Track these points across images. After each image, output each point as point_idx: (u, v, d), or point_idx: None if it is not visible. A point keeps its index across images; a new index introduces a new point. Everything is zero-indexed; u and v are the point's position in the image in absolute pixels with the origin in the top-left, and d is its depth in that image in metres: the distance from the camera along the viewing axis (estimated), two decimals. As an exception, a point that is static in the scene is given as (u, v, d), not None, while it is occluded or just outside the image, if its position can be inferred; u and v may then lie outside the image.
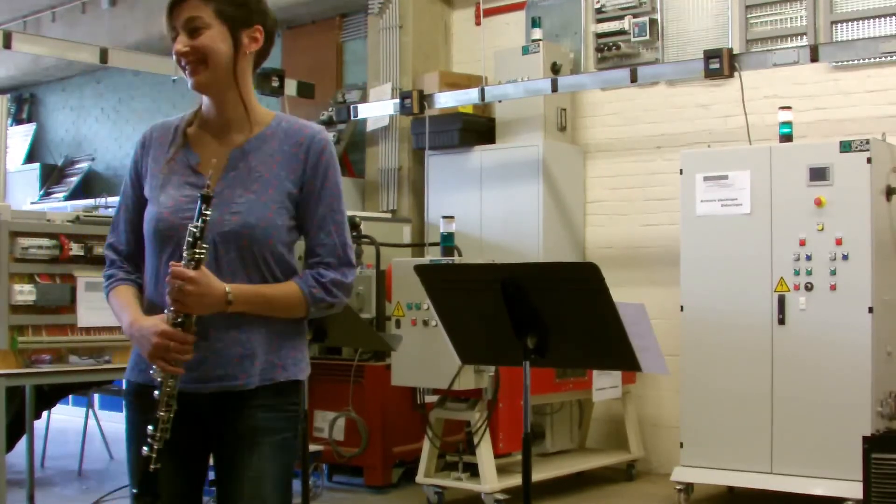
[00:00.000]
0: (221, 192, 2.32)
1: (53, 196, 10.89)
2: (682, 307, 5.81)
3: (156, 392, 2.24)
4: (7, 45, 6.98)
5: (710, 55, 6.17)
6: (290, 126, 2.40)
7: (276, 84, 7.75)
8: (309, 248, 2.41)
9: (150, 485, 2.24)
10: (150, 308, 2.36)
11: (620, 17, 7.15)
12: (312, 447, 5.68)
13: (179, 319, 2.25)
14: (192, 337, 2.25)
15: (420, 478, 5.75)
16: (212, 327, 2.30)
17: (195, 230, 2.23)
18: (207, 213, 2.23)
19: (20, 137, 11.62)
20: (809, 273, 5.41)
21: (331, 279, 2.37)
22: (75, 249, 4.99)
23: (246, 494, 2.31)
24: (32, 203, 10.41)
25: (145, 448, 2.22)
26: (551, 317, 3.16)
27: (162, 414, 2.23)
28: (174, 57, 2.34)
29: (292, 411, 2.40)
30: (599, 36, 7.26)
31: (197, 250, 2.23)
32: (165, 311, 2.27)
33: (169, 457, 2.26)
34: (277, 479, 2.36)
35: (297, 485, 3.02)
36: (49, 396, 6.50)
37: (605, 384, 6.15)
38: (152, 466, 2.22)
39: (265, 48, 2.41)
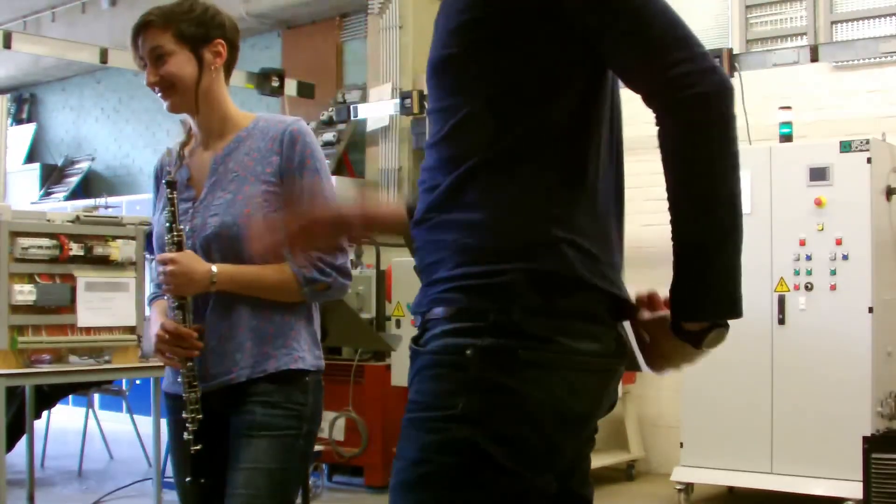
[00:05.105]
0: (204, 199, 2.39)
1: (53, 196, 10.88)
2: (682, 307, 5.80)
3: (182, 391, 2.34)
4: (7, 45, 6.98)
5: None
6: (266, 124, 2.43)
7: (276, 84, 7.75)
8: None
9: (197, 468, 2.33)
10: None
11: (620, 17, 7.14)
12: (312, 447, 5.67)
13: (175, 304, 2.32)
14: (186, 329, 2.31)
15: (420, 478, 5.74)
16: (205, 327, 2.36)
17: (169, 216, 2.33)
18: (173, 196, 2.34)
19: (20, 137, 11.62)
20: (809, 273, 5.41)
21: (319, 257, 2.34)
22: (75, 249, 4.97)
23: (240, 484, 2.29)
24: (32, 203, 10.40)
25: (185, 433, 2.30)
26: (551, 317, 3.16)
27: (188, 395, 2.30)
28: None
29: (293, 408, 2.35)
30: (599, 36, 7.25)
31: (174, 234, 2.32)
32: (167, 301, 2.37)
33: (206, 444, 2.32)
34: (275, 475, 2.31)
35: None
36: (49, 396, 6.48)
37: (605, 384, 6.14)
38: (193, 448, 2.29)
39: (232, 56, 2.46)
